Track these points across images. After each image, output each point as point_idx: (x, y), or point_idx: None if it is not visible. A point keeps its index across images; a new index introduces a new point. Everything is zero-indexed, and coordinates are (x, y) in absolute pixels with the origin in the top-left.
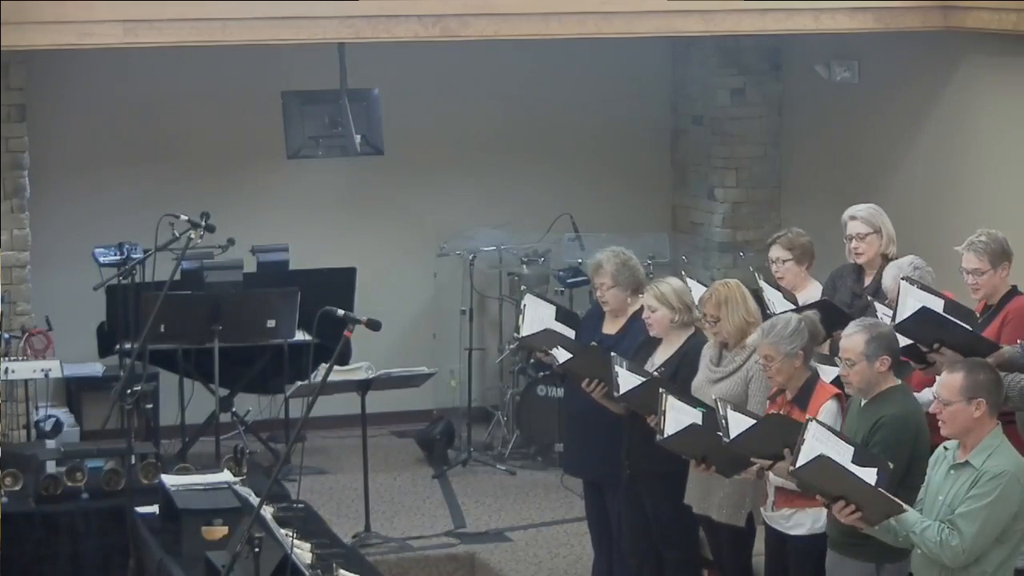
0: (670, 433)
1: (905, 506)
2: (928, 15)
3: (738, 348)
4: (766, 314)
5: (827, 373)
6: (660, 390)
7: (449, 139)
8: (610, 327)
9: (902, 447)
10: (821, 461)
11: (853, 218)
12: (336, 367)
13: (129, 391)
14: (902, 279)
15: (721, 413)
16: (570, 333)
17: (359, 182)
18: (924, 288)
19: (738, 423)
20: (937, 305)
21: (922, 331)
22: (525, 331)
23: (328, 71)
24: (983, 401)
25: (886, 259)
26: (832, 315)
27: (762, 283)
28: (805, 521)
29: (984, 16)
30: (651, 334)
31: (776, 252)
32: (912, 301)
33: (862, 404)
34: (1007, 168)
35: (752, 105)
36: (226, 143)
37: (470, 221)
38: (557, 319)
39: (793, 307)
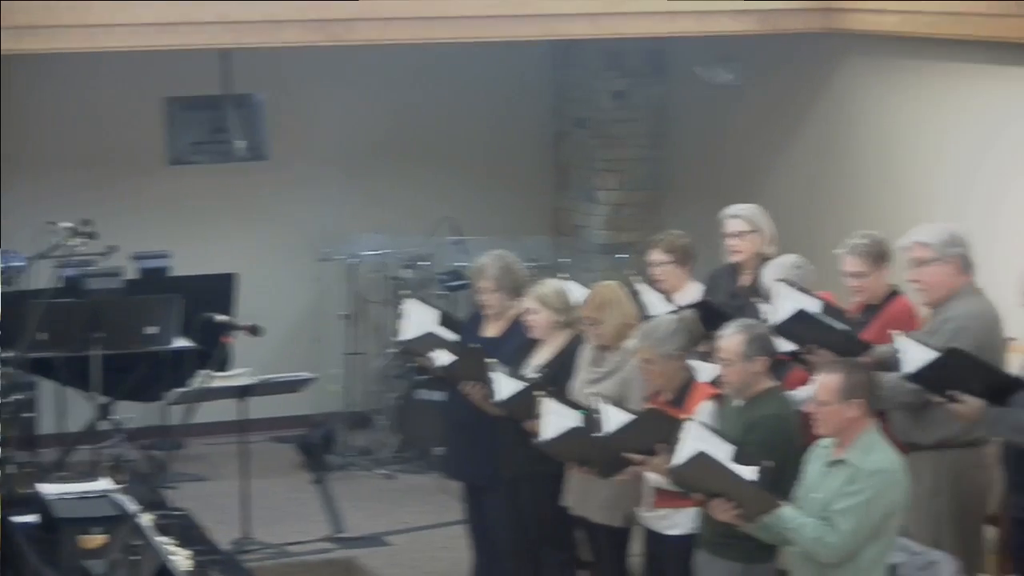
0: (549, 437)
1: (782, 503)
2: (810, 17)
3: (616, 349)
4: (645, 316)
5: (706, 372)
6: (539, 394)
7: (332, 144)
8: (491, 331)
9: (777, 448)
10: (701, 458)
11: (733, 216)
12: (216, 373)
13: (6, 400)
14: (779, 280)
15: (603, 410)
16: (454, 337)
17: (241, 188)
18: (801, 290)
19: (615, 419)
20: (814, 306)
21: (798, 333)
22: (405, 335)
23: (211, 77)
24: (860, 402)
25: (764, 259)
26: (712, 315)
27: (640, 286)
28: (682, 521)
29: (865, 18)
30: (531, 335)
31: (656, 255)
32: (788, 303)
33: (739, 405)
34: (887, 169)
35: (634, 108)
36: (108, 150)
37: (352, 226)
38: (442, 324)
39: (673, 309)
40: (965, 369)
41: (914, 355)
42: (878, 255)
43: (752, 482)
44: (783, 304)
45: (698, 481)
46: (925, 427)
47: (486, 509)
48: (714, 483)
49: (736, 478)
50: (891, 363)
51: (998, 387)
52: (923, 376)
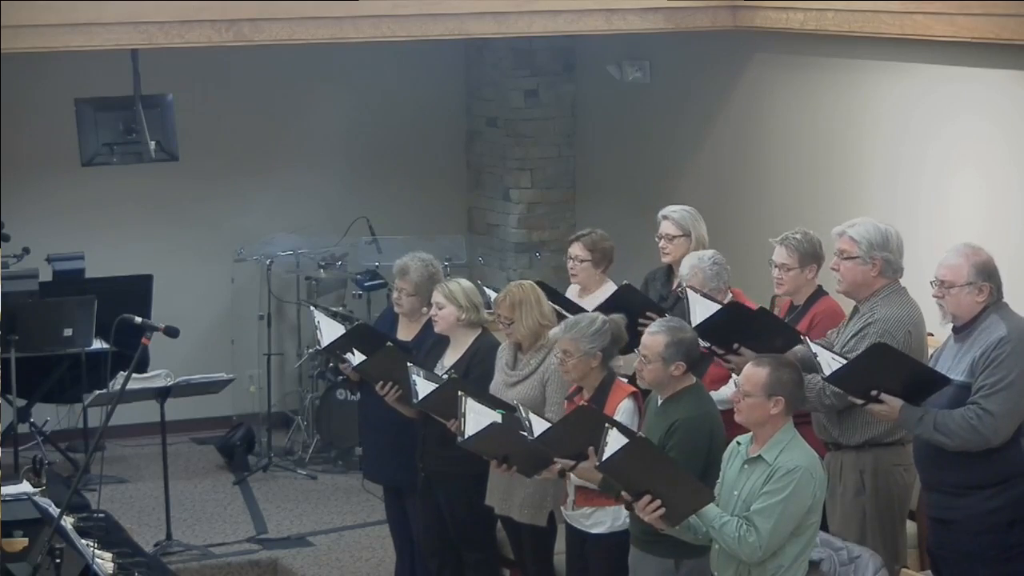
0: (470, 434)
1: (712, 492)
2: (718, 15)
3: (533, 350)
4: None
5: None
6: (459, 392)
7: (244, 144)
8: (404, 332)
9: (697, 449)
10: (632, 447)
11: (665, 218)
12: (134, 375)
13: None
14: (686, 286)
15: (524, 416)
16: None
17: (154, 188)
18: (705, 296)
19: (541, 425)
20: (712, 309)
21: (721, 333)
22: (325, 341)
23: (121, 77)
24: (782, 399)
25: None
26: (633, 299)
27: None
28: (605, 519)
29: (772, 15)
30: (436, 331)
31: (576, 250)
32: (700, 307)
33: (659, 404)
34: (797, 165)
35: (545, 106)
36: (19, 151)
37: (267, 226)
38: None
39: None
40: (886, 366)
41: (827, 357)
42: (808, 253)
43: (686, 471)
44: (695, 308)
45: (628, 475)
46: (848, 428)
47: (407, 510)
48: (644, 476)
49: (668, 466)
50: (808, 363)
51: (919, 384)
52: (842, 377)
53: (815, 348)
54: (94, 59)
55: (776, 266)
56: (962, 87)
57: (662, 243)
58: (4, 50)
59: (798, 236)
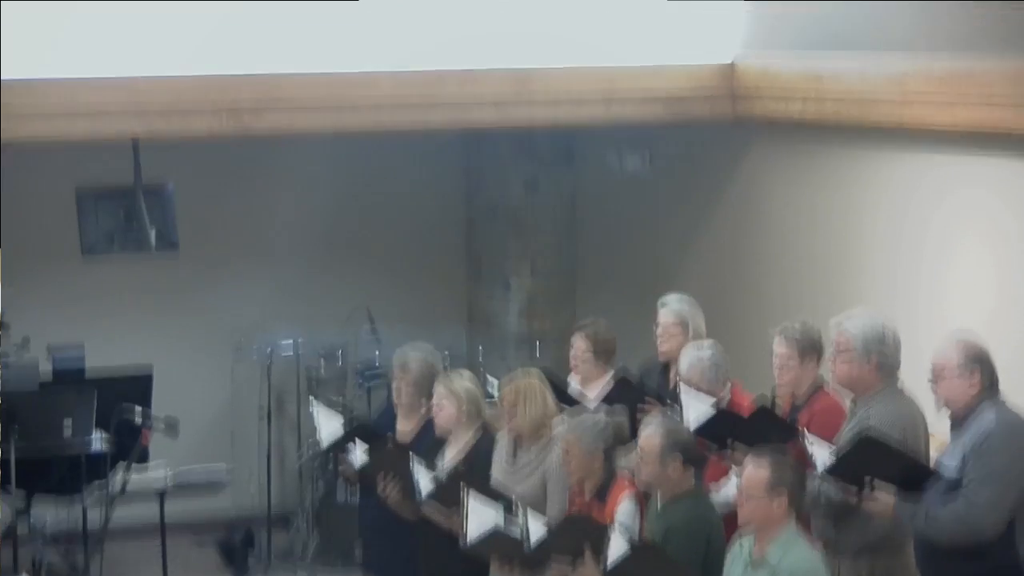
0: (473, 538)
1: None
2: (716, 105)
3: (533, 443)
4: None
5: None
6: (462, 487)
7: (245, 233)
8: (404, 426)
9: (694, 556)
10: (638, 554)
11: (663, 306)
12: (134, 469)
13: None
14: (681, 382)
15: (521, 519)
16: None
17: (155, 278)
18: (701, 390)
19: (537, 528)
20: (708, 409)
21: (716, 433)
22: (324, 436)
23: (122, 166)
24: (784, 498)
25: None
26: (630, 392)
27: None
28: None
29: (771, 105)
30: (436, 427)
31: (578, 342)
32: (694, 405)
33: (659, 507)
34: (796, 253)
35: (545, 195)
36: (20, 240)
37: (267, 318)
38: (349, 429)
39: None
40: (879, 458)
41: (822, 453)
42: (807, 346)
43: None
44: (689, 404)
45: None
46: (845, 532)
47: None
48: None
49: (680, 571)
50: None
51: (910, 478)
52: (838, 468)
53: (810, 448)
54: (95, 148)
55: (776, 357)
56: (961, 175)
57: (659, 331)
58: (5, 138)
59: (797, 328)
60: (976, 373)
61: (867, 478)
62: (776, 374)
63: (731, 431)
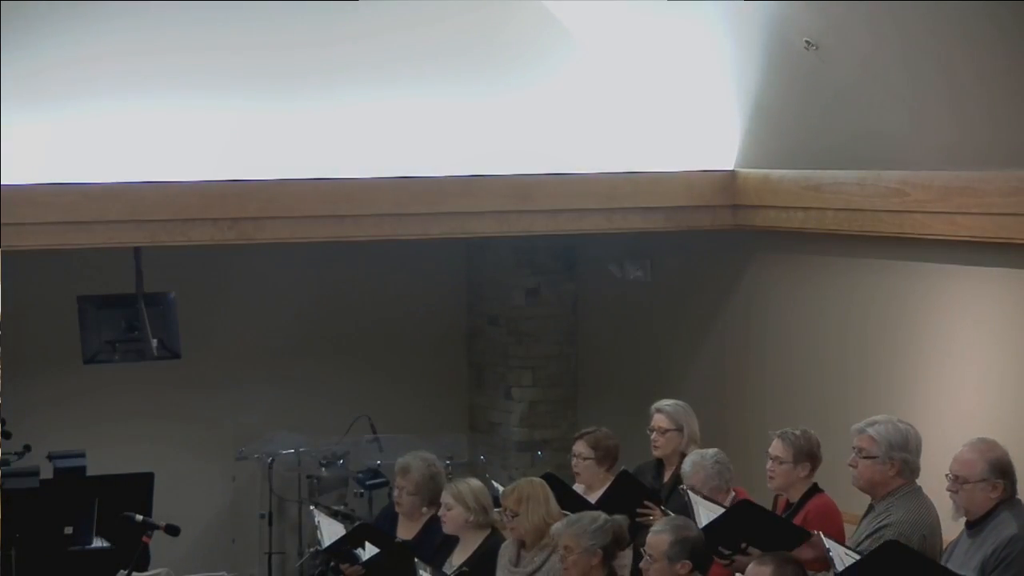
0: None
1: None
2: (718, 215)
3: (537, 548)
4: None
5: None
6: None
7: (246, 341)
8: (405, 531)
9: None
10: None
11: (658, 411)
12: (135, 573)
13: None
14: (687, 488)
15: None
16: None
17: (156, 385)
18: (706, 498)
19: None
20: (715, 513)
21: (729, 533)
22: (326, 542)
23: (124, 274)
24: None
25: (684, 457)
26: (632, 488)
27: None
28: None
29: (772, 215)
30: (445, 531)
31: (580, 448)
32: (704, 509)
33: None
34: (798, 362)
35: (547, 304)
36: (21, 347)
37: (268, 424)
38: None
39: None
40: (899, 565)
41: (841, 555)
42: (803, 450)
43: None
44: (698, 509)
45: None
46: None
47: None
48: None
49: None
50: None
51: None
52: (858, 572)
53: (828, 544)
54: (97, 256)
55: (771, 458)
56: (962, 285)
57: (654, 436)
58: (6, 247)
59: (797, 433)
60: (999, 483)
61: None
62: (768, 475)
63: (743, 531)
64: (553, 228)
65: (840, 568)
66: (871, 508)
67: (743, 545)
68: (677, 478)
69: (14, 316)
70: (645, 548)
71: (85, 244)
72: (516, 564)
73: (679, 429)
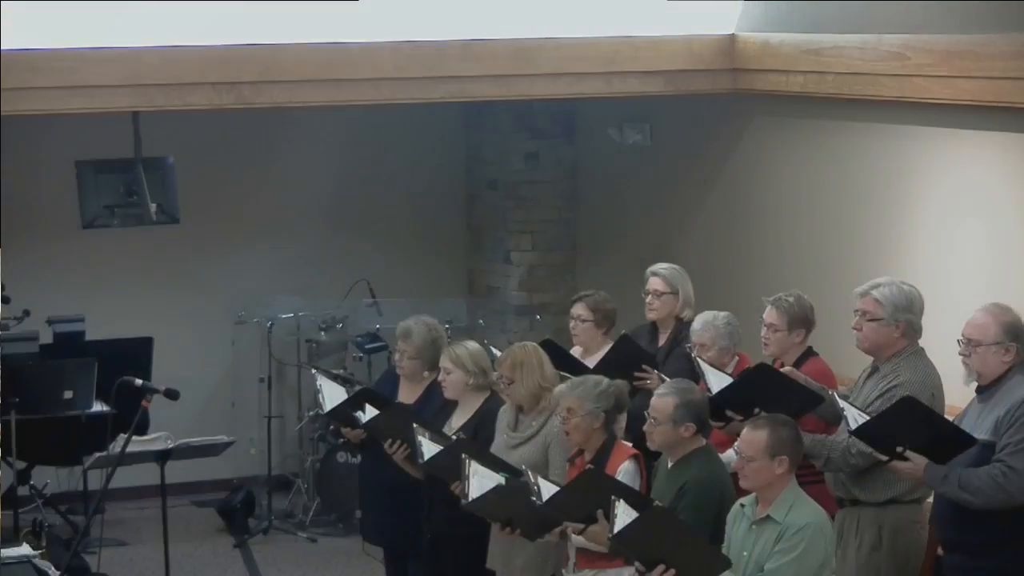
0: (474, 496)
1: (729, 559)
2: (718, 79)
3: (534, 412)
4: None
5: None
6: (463, 455)
7: (245, 206)
8: (406, 395)
9: (708, 510)
10: (648, 517)
11: (654, 274)
12: (135, 437)
13: None
14: (695, 356)
15: (531, 480)
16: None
17: (155, 250)
18: (712, 365)
19: (549, 488)
20: (724, 381)
21: (742, 398)
22: (327, 405)
23: (122, 139)
24: (785, 458)
25: (680, 321)
26: (631, 351)
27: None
28: None
29: (771, 79)
30: (445, 396)
31: (578, 310)
32: (712, 376)
33: (669, 467)
34: (795, 226)
35: (546, 169)
36: (20, 213)
37: (268, 288)
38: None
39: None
40: (913, 421)
41: (853, 413)
42: (797, 317)
43: (703, 539)
44: (708, 376)
45: (640, 547)
46: (870, 485)
47: (409, 572)
48: (657, 547)
49: (684, 533)
50: (829, 412)
51: (943, 444)
52: (872, 429)
53: (842, 403)
54: (95, 122)
55: (765, 325)
56: (963, 149)
57: (649, 299)
58: (5, 112)
59: (791, 299)
60: (1012, 346)
61: (899, 441)
62: (762, 342)
63: (757, 396)
64: (552, 92)
65: (853, 427)
66: (875, 370)
67: (756, 411)
68: (672, 342)
69: (13, 182)
70: (649, 411)
71: (83, 108)
72: (514, 428)
73: (674, 292)
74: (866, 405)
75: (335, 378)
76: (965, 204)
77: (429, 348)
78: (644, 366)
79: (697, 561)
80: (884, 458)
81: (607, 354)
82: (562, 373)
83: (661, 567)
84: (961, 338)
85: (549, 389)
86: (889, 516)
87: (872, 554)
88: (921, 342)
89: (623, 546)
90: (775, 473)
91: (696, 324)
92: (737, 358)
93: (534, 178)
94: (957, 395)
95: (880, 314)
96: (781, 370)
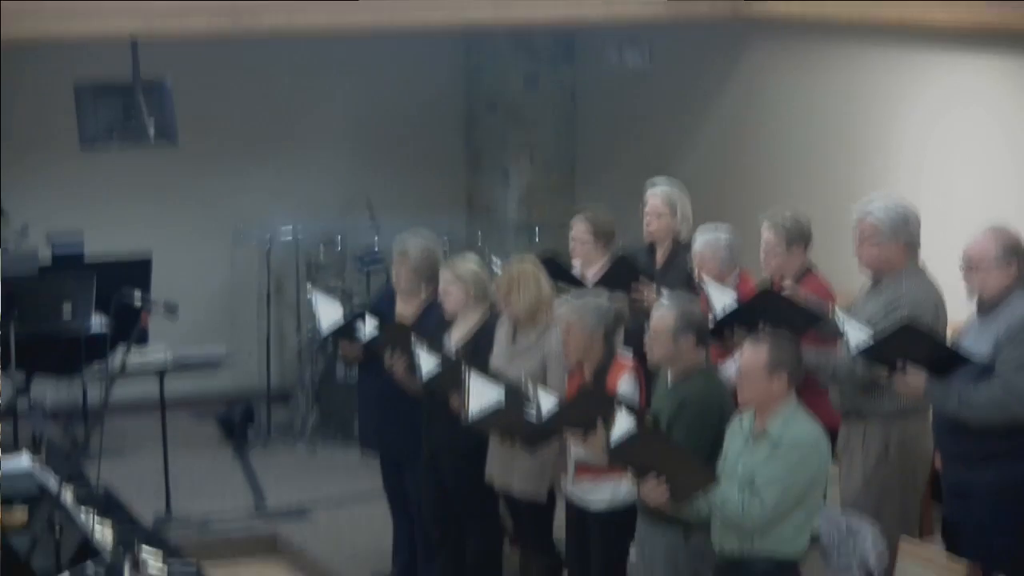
0: (474, 412)
1: (716, 475)
2: (717, 5)
3: (532, 326)
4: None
5: None
6: (462, 368)
7: (243, 127)
8: (404, 310)
9: (706, 429)
10: (639, 433)
11: (652, 192)
12: (134, 351)
13: None
14: (700, 275)
15: (531, 392)
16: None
17: (154, 170)
18: (711, 271)
19: (548, 401)
20: (727, 299)
21: (745, 320)
22: (323, 323)
23: (121, 62)
24: (784, 375)
25: (677, 243)
26: (629, 269)
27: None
28: (605, 494)
29: (770, 5)
30: (446, 311)
31: (578, 226)
32: (718, 293)
33: (669, 384)
34: (794, 150)
35: (545, 90)
36: (19, 133)
37: (267, 207)
38: (347, 315)
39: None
40: (915, 344)
41: (854, 331)
42: (794, 234)
43: (693, 455)
44: (713, 295)
45: (635, 458)
46: (876, 397)
47: (406, 483)
48: (650, 459)
49: (679, 451)
50: (831, 331)
51: (944, 363)
52: (874, 351)
53: (843, 319)
54: (94, 44)
55: (764, 243)
56: (961, 75)
57: (647, 219)
58: (4, 36)
59: (785, 217)
60: (1013, 264)
61: (900, 360)
62: (762, 260)
63: (762, 315)
64: (552, 16)
65: (854, 343)
66: (877, 288)
67: (760, 324)
68: (669, 262)
69: (13, 104)
70: (649, 326)
71: (82, 32)
72: (513, 342)
73: (672, 210)
74: (871, 324)
75: (332, 293)
76: (966, 128)
77: (426, 264)
78: (641, 280)
79: (687, 475)
80: (886, 379)
81: (604, 273)
82: (560, 283)
83: (653, 480)
84: (962, 258)
85: (547, 304)
86: (895, 429)
87: (878, 467)
88: (923, 261)
89: (618, 458)
90: (772, 389)
91: (697, 242)
92: (739, 272)
93: (533, 100)
94: (958, 313)
95: (879, 233)
96: (783, 293)
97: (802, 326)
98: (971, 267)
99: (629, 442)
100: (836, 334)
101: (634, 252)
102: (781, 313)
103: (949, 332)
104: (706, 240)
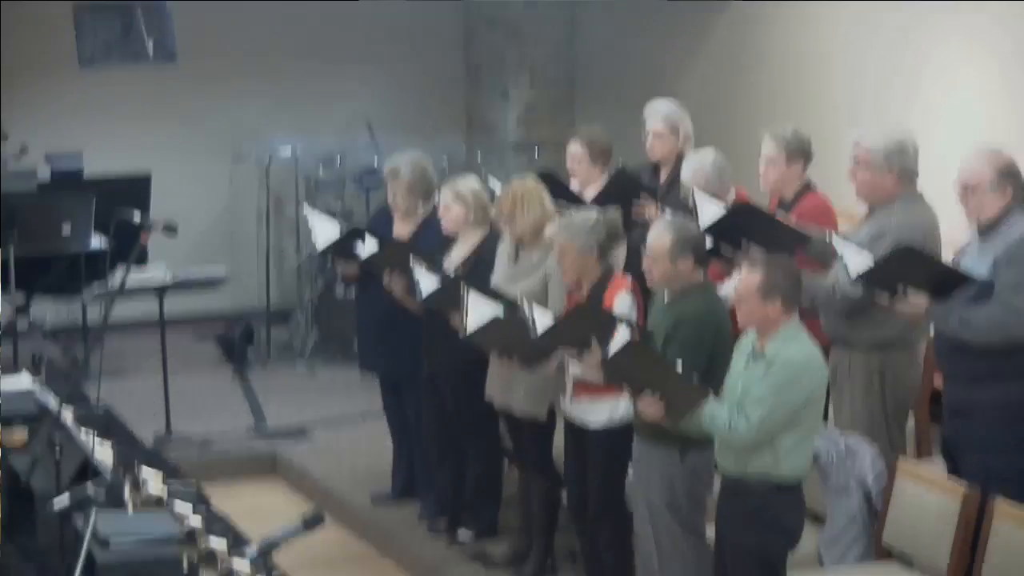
0: (473, 328)
1: (708, 392)
2: None
3: (534, 246)
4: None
5: None
6: (461, 287)
7: (242, 45)
8: (401, 229)
9: (703, 345)
10: (629, 348)
11: (653, 112)
12: (133, 270)
13: None
14: (692, 186)
15: (527, 310)
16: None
17: (153, 88)
18: (712, 195)
19: (544, 319)
20: (720, 212)
21: (730, 233)
22: (320, 242)
23: None
24: (778, 299)
25: (681, 159)
26: (629, 184)
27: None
28: (603, 413)
29: None
30: (445, 230)
31: (574, 146)
32: (707, 208)
33: (665, 301)
34: (797, 69)
35: (545, 7)
36: (18, 52)
37: (265, 126)
38: (344, 234)
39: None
40: (914, 267)
41: (853, 256)
42: (795, 149)
43: (682, 373)
44: (703, 207)
45: (628, 373)
46: (860, 328)
47: (406, 404)
48: (643, 375)
49: (668, 368)
50: (823, 255)
51: (942, 284)
52: (872, 276)
53: (840, 243)
54: None
55: (763, 158)
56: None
57: (649, 140)
58: None
59: (787, 131)
60: (1008, 186)
61: (900, 283)
62: (761, 173)
63: (744, 231)
64: None
65: (851, 265)
66: (871, 215)
67: (743, 242)
68: (673, 180)
69: (11, 21)
70: (646, 249)
71: None
72: (515, 261)
73: (673, 130)
74: (877, 256)
75: (332, 215)
76: (962, 54)
77: (420, 182)
78: (643, 195)
79: (679, 391)
80: (887, 303)
81: (606, 187)
82: (559, 200)
83: (648, 395)
84: (957, 183)
85: (549, 222)
86: (879, 360)
87: (866, 399)
88: (922, 186)
89: (611, 372)
90: (767, 313)
91: (685, 172)
92: (734, 193)
93: (533, 17)
94: (960, 236)
95: (874, 160)
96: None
97: (787, 245)
98: (967, 192)
99: (622, 356)
100: (824, 258)
101: (637, 170)
102: (765, 230)
103: (949, 255)
104: (692, 167)
